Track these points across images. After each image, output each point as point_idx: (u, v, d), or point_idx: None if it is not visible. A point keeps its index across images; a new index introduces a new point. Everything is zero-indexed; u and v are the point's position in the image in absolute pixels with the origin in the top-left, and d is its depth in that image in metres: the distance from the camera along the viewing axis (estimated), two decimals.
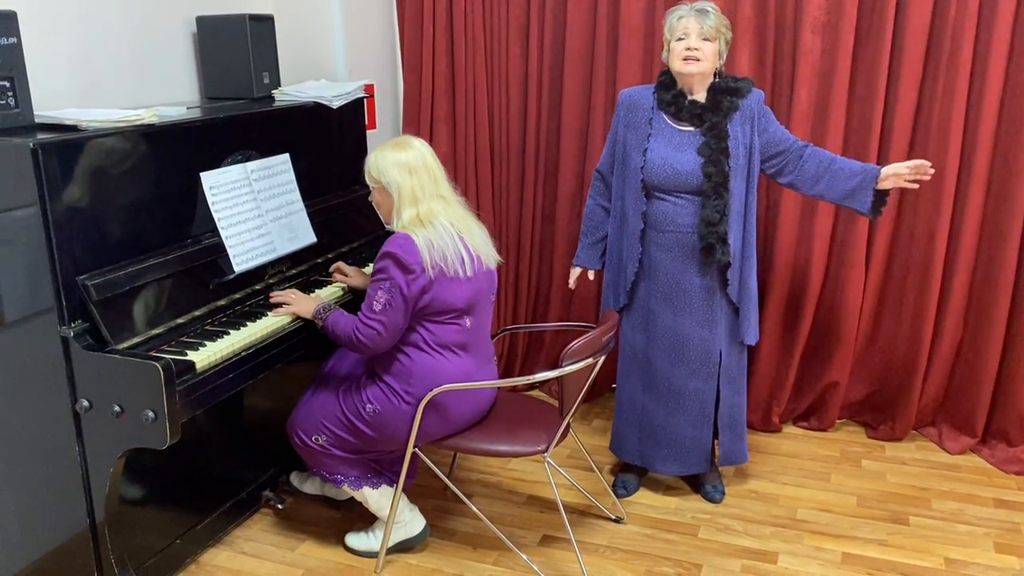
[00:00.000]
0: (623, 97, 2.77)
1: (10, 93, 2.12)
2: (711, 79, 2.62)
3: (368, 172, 2.42)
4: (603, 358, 2.44)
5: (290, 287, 2.69)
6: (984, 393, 3.19)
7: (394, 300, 2.29)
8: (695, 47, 2.54)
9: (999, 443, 3.22)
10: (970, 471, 3.14)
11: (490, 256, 2.46)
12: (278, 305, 2.52)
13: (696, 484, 3.02)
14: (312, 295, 2.65)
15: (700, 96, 2.62)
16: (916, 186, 2.64)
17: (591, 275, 2.98)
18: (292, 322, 2.49)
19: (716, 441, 2.92)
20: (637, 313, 2.82)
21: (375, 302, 2.31)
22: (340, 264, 2.82)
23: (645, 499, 2.98)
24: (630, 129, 2.72)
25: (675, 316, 2.74)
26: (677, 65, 2.58)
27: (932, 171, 2.58)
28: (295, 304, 2.50)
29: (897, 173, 2.60)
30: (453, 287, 2.34)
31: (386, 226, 3.39)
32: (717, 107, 2.60)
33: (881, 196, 2.65)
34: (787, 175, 2.70)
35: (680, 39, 2.56)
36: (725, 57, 2.64)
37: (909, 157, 3.15)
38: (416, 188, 2.34)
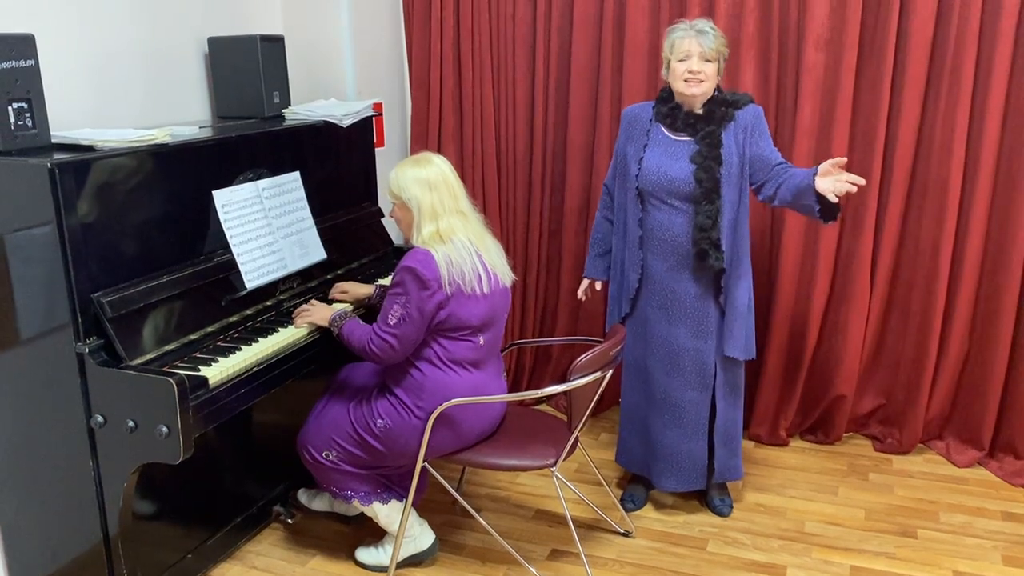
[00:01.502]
0: (625, 112, 2.83)
1: (28, 114, 2.16)
2: (710, 95, 2.65)
3: (389, 188, 2.44)
4: (611, 372, 2.47)
5: (301, 303, 2.72)
6: (991, 406, 3.20)
7: (409, 315, 2.31)
8: (697, 70, 2.57)
9: (1006, 456, 3.22)
10: (978, 484, 3.15)
11: (505, 274, 2.49)
12: (290, 320, 2.56)
13: (704, 498, 3.03)
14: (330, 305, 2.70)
15: (698, 111, 2.66)
16: (835, 200, 2.45)
17: (598, 286, 3.01)
18: (303, 337, 2.52)
19: (712, 456, 2.92)
20: (637, 323, 2.85)
21: (390, 315, 2.34)
22: (336, 285, 2.84)
23: (653, 513, 2.99)
24: (630, 141, 2.77)
25: (670, 325, 2.76)
26: (679, 86, 2.62)
27: (860, 182, 2.41)
28: (313, 313, 2.56)
29: (833, 170, 2.44)
30: (469, 304, 2.37)
31: (404, 243, 3.43)
32: (711, 116, 2.63)
33: (830, 203, 2.49)
34: (764, 192, 2.67)
35: (681, 60, 2.59)
36: (722, 74, 2.67)
37: (914, 172, 3.18)
38: (436, 204, 2.36)
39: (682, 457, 2.85)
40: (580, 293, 3.04)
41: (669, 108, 2.69)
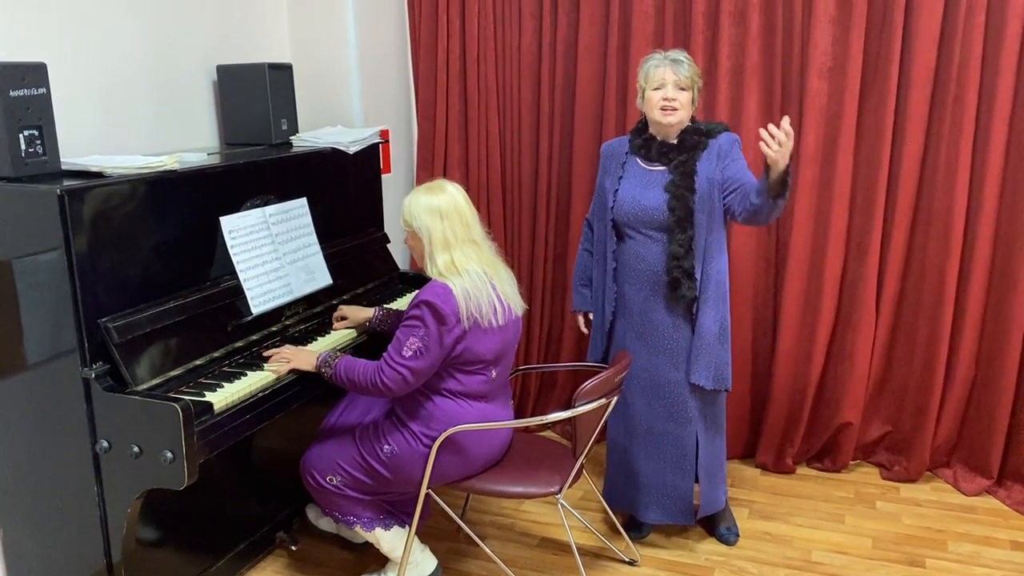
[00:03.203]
0: (604, 148, 2.86)
1: (39, 141, 2.19)
2: (685, 125, 2.66)
3: (403, 216, 2.42)
4: (616, 398, 2.46)
5: (306, 328, 2.73)
6: (998, 433, 3.18)
7: (427, 348, 2.28)
8: (671, 97, 2.59)
9: (1015, 484, 3.20)
10: (986, 512, 3.12)
11: (517, 304, 2.47)
12: (296, 344, 2.55)
13: (710, 526, 3.01)
14: (310, 346, 2.62)
15: (672, 140, 2.67)
16: (769, 150, 2.30)
17: (592, 316, 2.99)
18: None
19: (697, 487, 2.89)
20: (616, 353, 2.83)
21: (406, 348, 2.30)
22: (336, 312, 2.82)
23: (659, 541, 2.97)
24: (607, 174, 2.79)
25: (649, 355, 2.75)
26: (655, 115, 2.63)
27: (785, 131, 2.28)
28: (294, 359, 2.43)
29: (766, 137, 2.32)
30: (485, 339, 2.35)
31: (410, 269, 3.44)
32: (684, 145, 2.64)
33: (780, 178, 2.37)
34: (737, 210, 2.58)
35: (656, 89, 2.61)
36: (698, 104, 2.68)
37: (918, 199, 3.18)
38: (447, 233, 2.34)
39: (666, 489, 2.83)
40: (582, 327, 3.02)
41: (643, 139, 2.70)
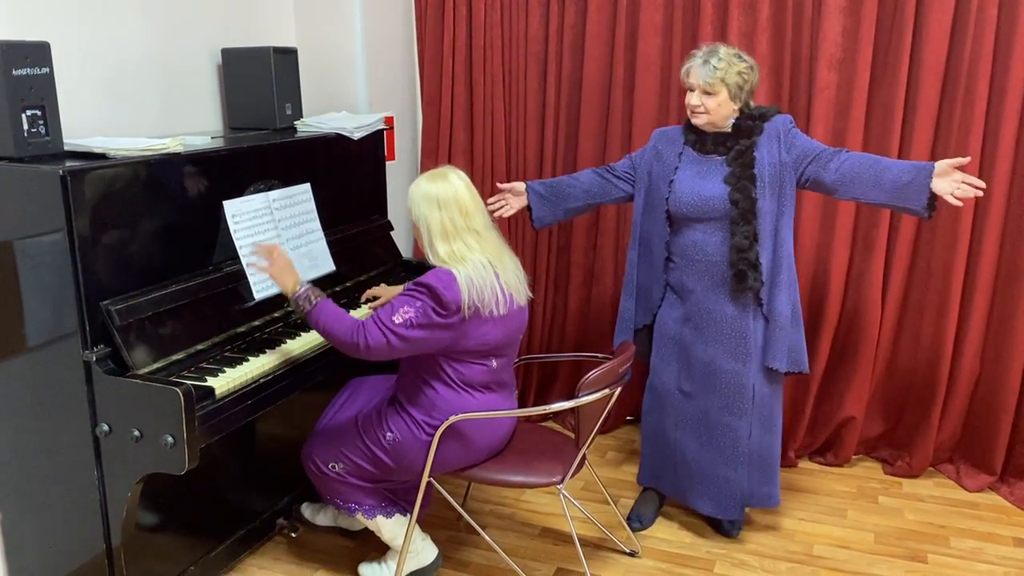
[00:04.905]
0: (657, 133, 2.83)
1: (41, 122, 2.16)
2: (733, 117, 2.62)
3: (408, 203, 2.40)
4: (619, 389, 2.45)
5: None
6: (1002, 430, 3.16)
7: (417, 323, 2.23)
8: (696, 104, 2.58)
9: (1018, 481, 3.19)
10: (989, 509, 3.11)
11: (521, 293, 2.43)
12: (299, 332, 2.53)
13: (712, 518, 3.00)
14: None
15: (726, 130, 2.64)
16: (960, 203, 2.45)
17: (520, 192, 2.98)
18: (311, 349, 2.50)
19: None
20: (667, 345, 2.80)
21: (398, 315, 2.22)
22: (369, 291, 2.86)
23: (660, 533, 2.96)
24: (658, 160, 2.75)
25: (707, 347, 2.72)
26: (689, 115, 2.65)
27: (981, 186, 2.41)
28: (274, 266, 2.35)
29: (950, 170, 2.42)
30: (485, 328, 2.32)
31: (413, 257, 3.42)
32: (739, 133, 2.62)
33: (933, 196, 2.47)
34: (829, 175, 2.57)
35: (689, 91, 2.61)
36: (744, 97, 2.59)
37: None
38: (446, 222, 2.29)
39: (719, 482, 2.78)
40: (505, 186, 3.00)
41: (696, 134, 2.69)
